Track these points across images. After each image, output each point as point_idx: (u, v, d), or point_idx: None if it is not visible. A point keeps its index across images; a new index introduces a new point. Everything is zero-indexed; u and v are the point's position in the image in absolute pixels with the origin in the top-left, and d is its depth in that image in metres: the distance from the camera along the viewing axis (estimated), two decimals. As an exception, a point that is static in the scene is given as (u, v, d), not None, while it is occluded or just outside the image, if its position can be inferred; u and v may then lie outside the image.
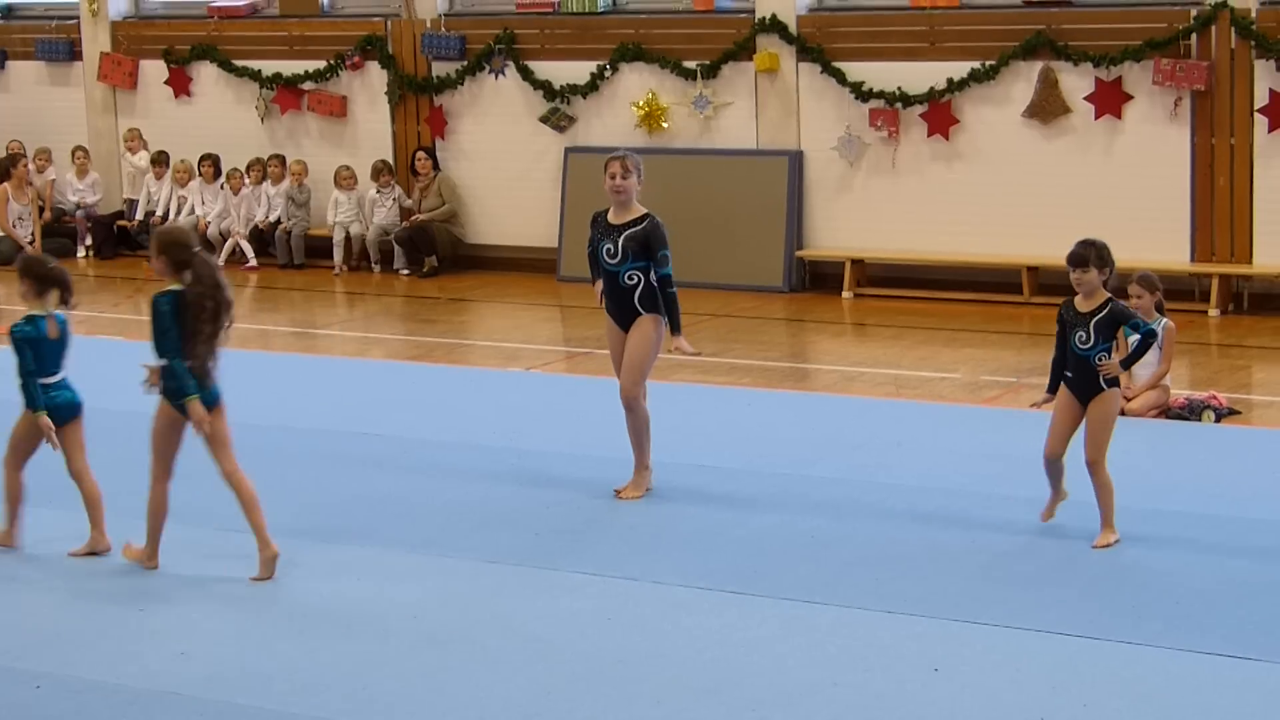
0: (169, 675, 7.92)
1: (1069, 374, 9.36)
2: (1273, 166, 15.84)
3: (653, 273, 10.19)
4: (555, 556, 9.41)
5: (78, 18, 21.00)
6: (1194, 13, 15.94)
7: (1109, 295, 9.31)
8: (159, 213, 20.51)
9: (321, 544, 9.68)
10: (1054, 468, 9.51)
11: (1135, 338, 9.59)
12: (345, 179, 19.56)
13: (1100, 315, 9.25)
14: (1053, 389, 9.50)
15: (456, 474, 11.02)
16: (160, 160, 20.61)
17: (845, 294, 17.38)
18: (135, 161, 20.80)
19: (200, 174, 20.39)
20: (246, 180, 20.09)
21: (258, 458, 11.37)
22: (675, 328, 10.31)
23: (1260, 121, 15.84)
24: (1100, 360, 9.22)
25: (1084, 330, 9.25)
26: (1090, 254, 9.25)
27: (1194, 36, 15.95)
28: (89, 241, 20.90)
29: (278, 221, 19.94)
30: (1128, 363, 9.46)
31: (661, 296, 10.21)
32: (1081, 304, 9.31)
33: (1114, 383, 9.32)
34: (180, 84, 20.64)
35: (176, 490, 9.26)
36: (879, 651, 8.03)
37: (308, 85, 19.93)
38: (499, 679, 7.81)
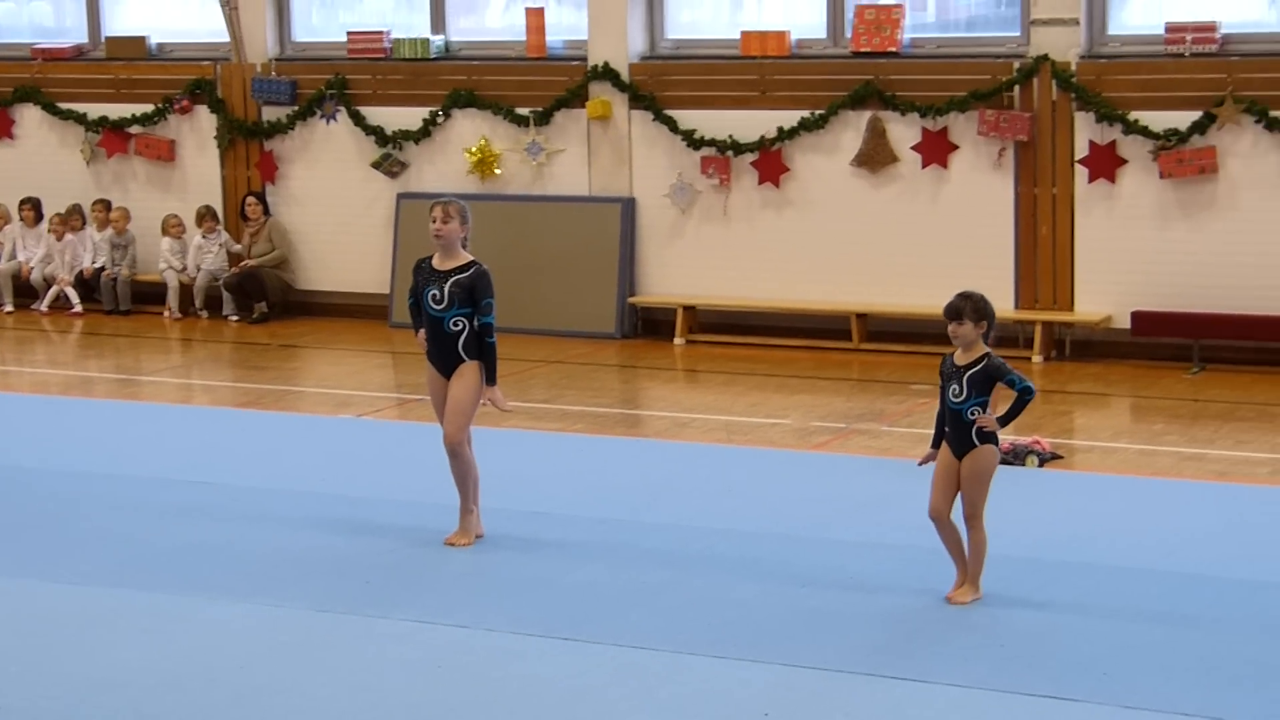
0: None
1: (946, 429, 9.21)
2: (1093, 216, 16.12)
3: (476, 320, 10.19)
4: (385, 604, 9.36)
5: (-100, 59, 20.70)
6: (1017, 65, 16.21)
7: (987, 350, 9.12)
8: (-20, 257, 20.23)
9: (146, 594, 9.56)
10: (943, 530, 9.22)
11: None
12: (173, 226, 19.39)
13: (975, 369, 9.07)
14: (936, 443, 9.29)
15: (286, 522, 10.92)
16: (-20, 204, 20.33)
17: (677, 340, 17.45)
18: (-45, 206, 20.51)
19: (21, 218, 20.12)
20: (89, 224, 19.87)
21: (80, 506, 11.27)
22: (491, 378, 10.31)
23: (1081, 172, 16.13)
24: (973, 414, 9.08)
25: (958, 384, 9.08)
26: (965, 306, 9.07)
27: (1017, 88, 16.21)
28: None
29: (103, 267, 19.72)
30: (1005, 420, 9.14)
31: (480, 346, 10.22)
32: (960, 357, 9.13)
33: (989, 439, 9.13)
34: (2, 127, 20.36)
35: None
36: (710, 697, 8.05)
37: (135, 129, 19.74)
38: (328, 728, 7.75)
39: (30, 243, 20.12)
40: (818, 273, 17.07)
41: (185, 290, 19.42)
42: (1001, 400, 9.25)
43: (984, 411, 9.11)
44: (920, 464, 9.49)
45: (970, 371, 9.10)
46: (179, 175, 19.76)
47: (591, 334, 17.71)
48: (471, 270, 10.20)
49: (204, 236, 19.30)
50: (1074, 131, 16.12)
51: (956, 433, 9.17)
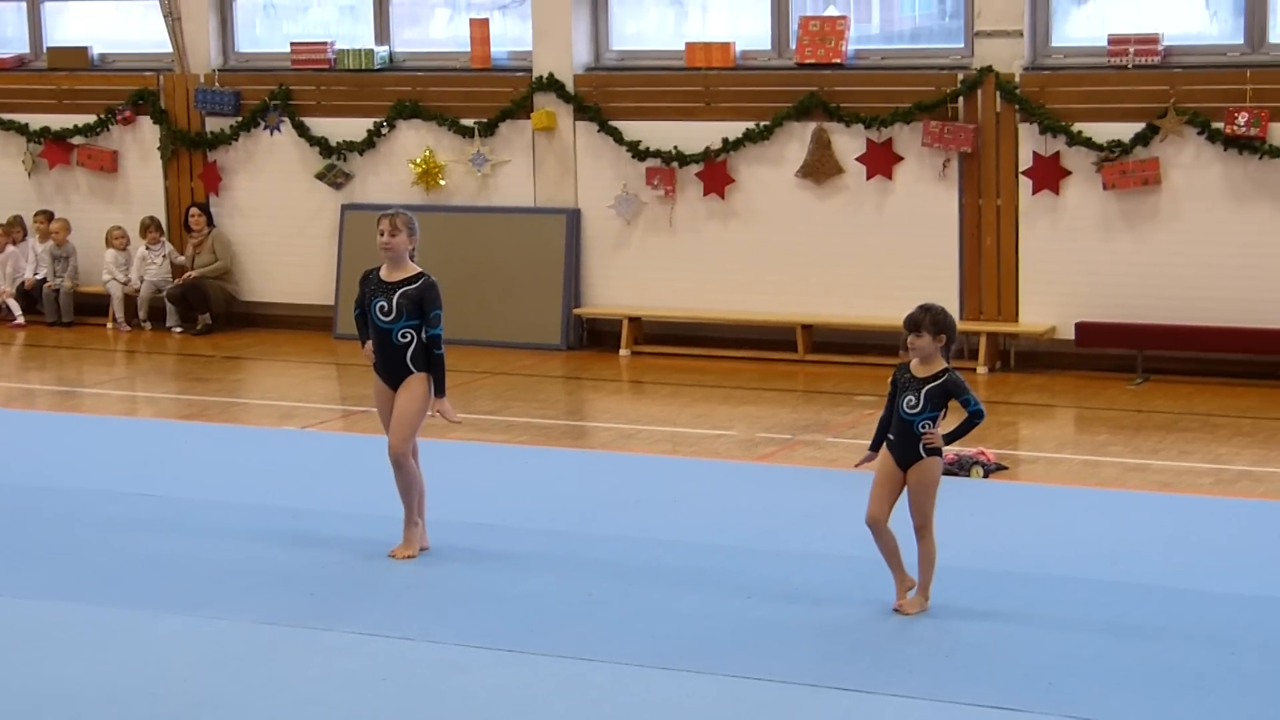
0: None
1: (891, 436, 9.18)
2: (1037, 227, 16.19)
3: (424, 331, 10.17)
4: (330, 617, 9.32)
5: None
6: (961, 76, 16.27)
7: (947, 366, 9.10)
8: (-78, 269, 20.11)
9: (90, 607, 9.50)
10: (881, 538, 9.21)
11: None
12: (117, 238, 19.32)
13: (934, 384, 9.05)
14: (875, 447, 9.29)
15: (230, 534, 10.87)
16: (-80, 216, 20.21)
17: (622, 352, 17.45)
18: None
19: (-38, 230, 20.04)
20: (31, 236, 19.79)
21: (22, 519, 11.20)
22: (440, 390, 10.29)
23: (1025, 183, 16.19)
24: (924, 428, 9.08)
25: (914, 395, 9.05)
26: (925, 319, 9.04)
27: (961, 100, 16.27)
28: None
29: (44, 279, 19.62)
30: (951, 438, 9.17)
31: (429, 357, 10.20)
32: (918, 369, 9.10)
33: (935, 452, 9.12)
34: (-54, 138, 20.28)
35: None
36: (657, 709, 8.04)
37: (77, 139, 19.66)
38: (273, 742, 7.72)
39: (-29, 254, 20.03)
40: (763, 284, 17.09)
41: (129, 301, 19.33)
42: (951, 414, 9.27)
43: (934, 425, 9.11)
44: (856, 466, 9.51)
45: (930, 386, 9.08)
46: (122, 186, 19.67)
47: (537, 345, 17.69)
48: (420, 282, 10.18)
49: (148, 248, 19.22)
50: (1018, 143, 16.18)
51: (904, 443, 9.17)
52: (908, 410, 9.12)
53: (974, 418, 9.09)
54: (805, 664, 8.52)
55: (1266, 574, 9.89)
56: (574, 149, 17.75)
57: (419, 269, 10.24)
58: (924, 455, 9.14)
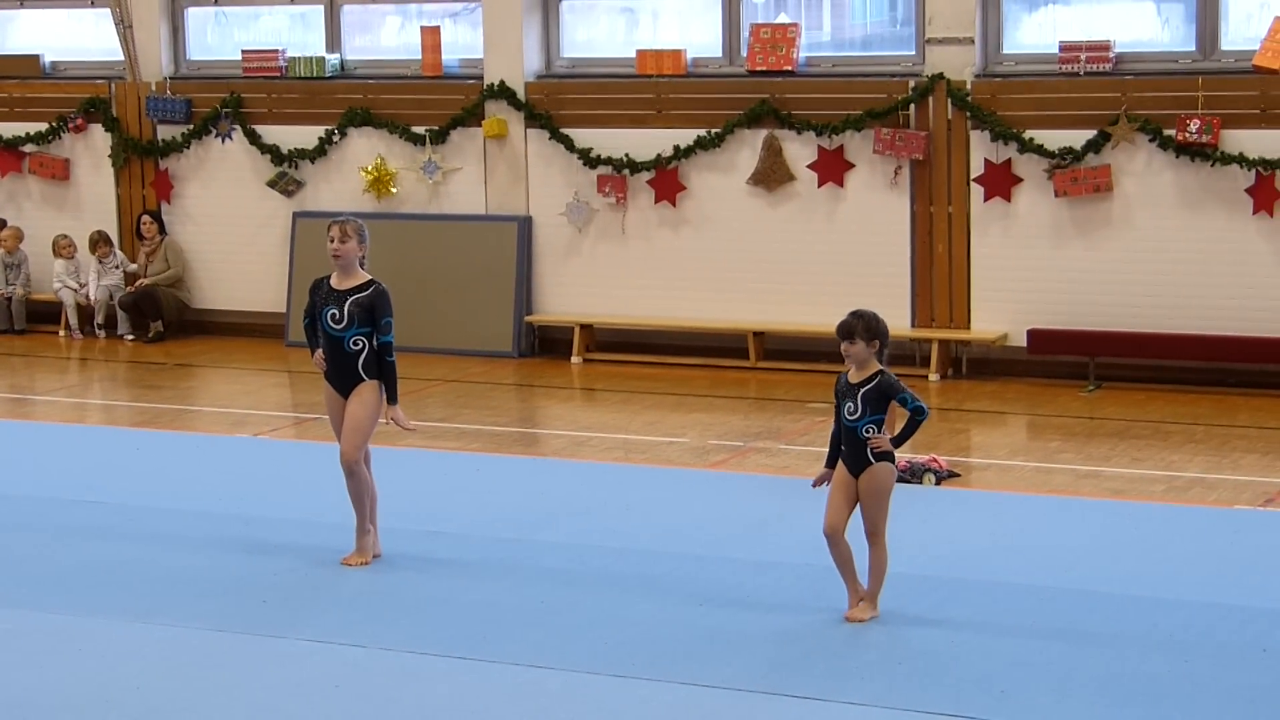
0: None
1: (842, 447, 9.20)
2: (988, 234, 16.23)
3: (375, 339, 10.15)
4: (282, 624, 9.30)
5: None
6: (912, 84, 16.30)
7: (881, 368, 9.11)
8: None
9: (41, 614, 9.46)
10: (836, 548, 9.18)
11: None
12: (64, 247, 19.23)
13: (869, 387, 9.06)
14: (830, 463, 9.28)
15: (182, 542, 10.84)
16: None
17: (574, 359, 17.45)
18: None
19: (-88, 238, 19.91)
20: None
21: (-26, 527, 11.14)
22: (392, 398, 10.28)
23: (976, 190, 16.23)
24: (868, 433, 9.09)
25: (852, 401, 9.08)
26: (858, 325, 9.06)
27: (912, 107, 16.31)
28: None
29: (-3, 286, 19.57)
30: (899, 441, 9.16)
31: (380, 365, 10.18)
32: (854, 375, 9.12)
33: (884, 457, 9.12)
34: (-105, 145, 20.16)
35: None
36: (609, 716, 8.04)
37: (29, 147, 19.57)
38: (224, 751, 7.69)
39: (-79, 262, 19.91)
40: (715, 291, 17.10)
41: (82, 309, 19.25)
42: (899, 419, 9.29)
43: (878, 430, 9.12)
44: (815, 485, 9.50)
45: (864, 389, 9.11)
46: (74, 194, 19.60)
47: (489, 353, 17.67)
48: (371, 289, 10.17)
49: (100, 262, 19.12)
50: (969, 150, 16.22)
51: (852, 450, 9.19)
52: (849, 417, 9.14)
53: (916, 415, 9.11)
54: (758, 671, 8.53)
55: (1219, 581, 9.93)
56: (525, 156, 17.74)
57: (370, 276, 10.23)
58: (873, 461, 9.15)
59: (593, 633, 9.14)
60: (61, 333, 19.27)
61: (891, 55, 16.78)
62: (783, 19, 17.05)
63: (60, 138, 19.49)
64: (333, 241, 10.18)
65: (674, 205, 17.24)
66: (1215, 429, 14.25)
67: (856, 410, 9.11)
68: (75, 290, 19.20)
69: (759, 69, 16.86)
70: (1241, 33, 15.72)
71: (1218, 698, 8.15)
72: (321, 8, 18.68)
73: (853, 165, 16.60)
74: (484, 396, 15.98)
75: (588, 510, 11.59)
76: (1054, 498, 12.10)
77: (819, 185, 16.72)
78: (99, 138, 19.39)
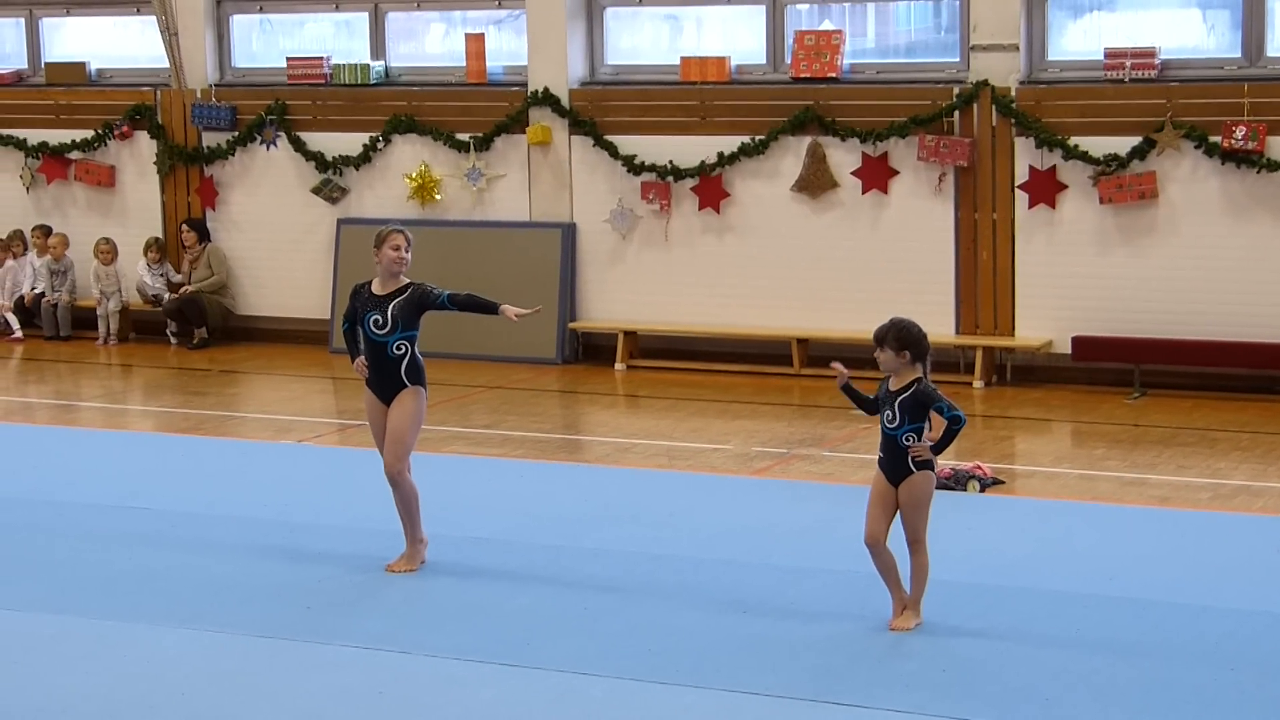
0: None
1: (881, 454, 9.20)
2: (1033, 241, 16.19)
3: (417, 342, 10.18)
4: (326, 631, 9.31)
5: None
6: (956, 91, 16.28)
7: (919, 376, 9.09)
8: (-82, 283, 20.10)
9: (86, 620, 9.49)
10: (879, 558, 9.18)
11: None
12: (104, 252, 19.31)
13: (905, 395, 9.06)
14: (855, 398, 9.41)
15: (226, 548, 10.86)
16: (-81, 231, 20.21)
17: (618, 366, 17.45)
18: (-106, 232, 20.37)
19: (-41, 244, 20.03)
20: (30, 250, 19.80)
21: (18, 533, 11.20)
22: (493, 306, 10.40)
23: (1021, 197, 16.20)
24: (907, 441, 9.07)
25: (891, 409, 9.09)
26: (888, 334, 9.09)
27: (957, 114, 16.28)
28: None
29: (43, 293, 19.63)
30: (938, 449, 9.09)
31: (458, 303, 10.23)
32: (893, 383, 9.14)
33: (925, 465, 9.10)
34: (-58, 152, 20.28)
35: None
36: (651, 723, 8.05)
37: (75, 155, 19.67)
38: (268, 756, 7.71)
39: (-29, 269, 20.03)
40: (759, 298, 17.09)
41: (124, 316, 19.34)
42: (940, 428, 9.26)
43: (918, 439, 9.10)
44: (831, 365, 9.55)
45: (901, 397, 9.10)
46: (119, 201, 19.68)
47: (532, 359, 17.69)
48: (410, 290, 10.21)
49: (150, 265, 19.21)
50: (1014, 157, 16.19)
51: (891, 458, 9.18)
52: (888, 425, 9.14)
53: (954, 424, 9.04)
54: (801, 679, 8.52)
55: (1264, 589, 9.88)
56: (569, 163, 17.76)
57: (407, 279, 10.27)
58: (914, 470, 9.13)
59: (636, 639, 9.13)
60: (101, 340, 19.34)
61: (936, 62, 16.76)
62: (827, 26, 17.04)
63: (106, 145, 19.58)
64: (399, 249, 10.19)
65: (718, 212, 17.23)
66: (1261, 436, 14.19)
67: (895, 419, 9.11)
68: (110, 297, 19.19)
69: (803, 76, 16.85)
70: (1287, 40, 15.68)
71: (1264, 707, 8.11)
72: (366, 15, 18.73)
73: (897, 172, 16.58)
74: (528, 403, 15.99)
75: (631, 517, 11.59)
76: (1098, 505, 12.06)
77: (863, 192, 16.70)
78: (144, 145, 19.47)
